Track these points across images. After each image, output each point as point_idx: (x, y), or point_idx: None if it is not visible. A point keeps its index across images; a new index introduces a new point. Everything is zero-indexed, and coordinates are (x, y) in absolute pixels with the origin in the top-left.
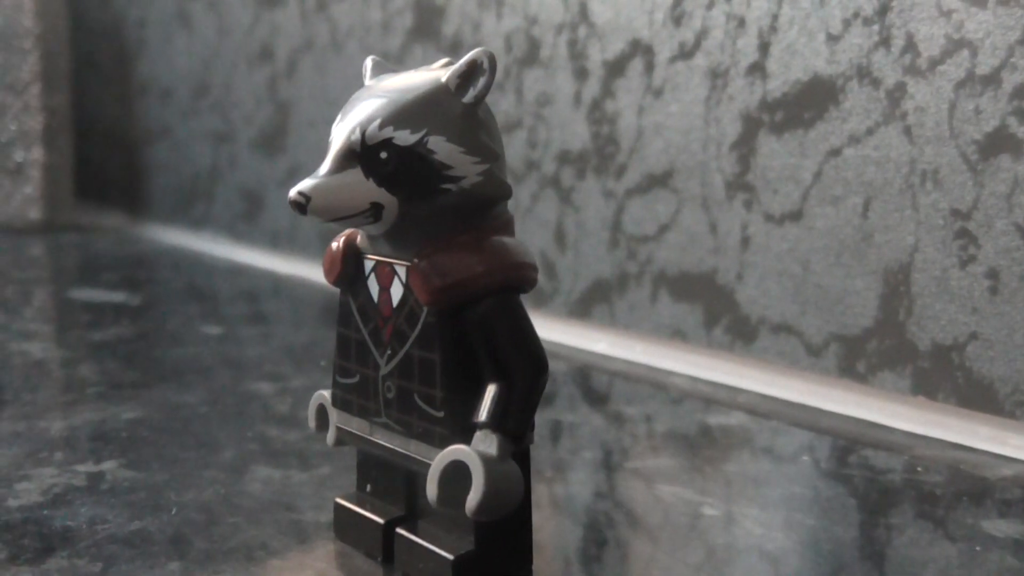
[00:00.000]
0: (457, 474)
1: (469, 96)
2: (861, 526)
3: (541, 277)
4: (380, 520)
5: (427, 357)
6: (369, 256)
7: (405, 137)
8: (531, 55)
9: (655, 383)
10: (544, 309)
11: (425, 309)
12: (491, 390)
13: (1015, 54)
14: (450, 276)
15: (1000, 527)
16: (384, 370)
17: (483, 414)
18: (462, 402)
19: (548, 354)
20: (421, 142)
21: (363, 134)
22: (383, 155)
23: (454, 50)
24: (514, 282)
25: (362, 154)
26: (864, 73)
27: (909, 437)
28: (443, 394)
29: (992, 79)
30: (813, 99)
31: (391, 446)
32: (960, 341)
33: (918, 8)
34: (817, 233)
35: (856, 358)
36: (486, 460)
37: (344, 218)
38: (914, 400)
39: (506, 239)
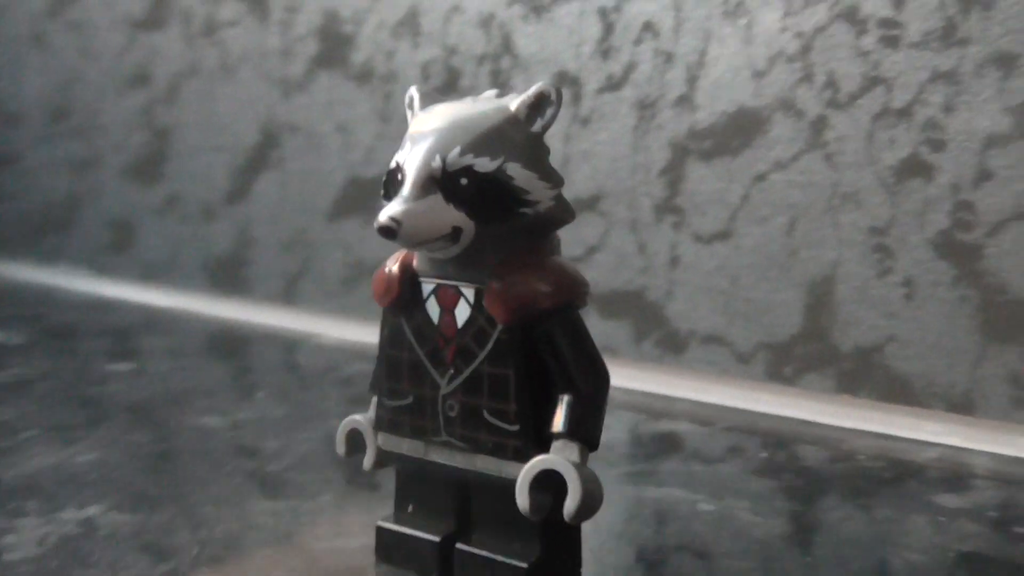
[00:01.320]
0: (538, 483)
1: (537, 125)
2: (826, 509)
3: None
4: (435, 538)
5: (499, 373)
6: (427, 279)
7: (485, 164)
8: (450, 85)
9: None
10: None
11: (498, 327)
12: (564, 400)
13: (925, 91)
14: (527, 296)
15: (951, 500)
16: (445, 389)
17: (561, 424)
18: (533, 415)
19: None
20: (500, 168)
21: (444, 161)
22: (463, 181)
23: (364, 79)
24: (575, 300)
25: (443, 180)
26: (788, 106)
27: (837, 431)
28: (517, 408)
29: (905, 112)
30: (740, 129)
31: (452, 463)
32: (879, 343)
33: (837, 49)
34: (745, 251)
35: (783, 363)
36: (577, 467)
37: (427, 242)
38: (839, 398)
39: (562, 259)
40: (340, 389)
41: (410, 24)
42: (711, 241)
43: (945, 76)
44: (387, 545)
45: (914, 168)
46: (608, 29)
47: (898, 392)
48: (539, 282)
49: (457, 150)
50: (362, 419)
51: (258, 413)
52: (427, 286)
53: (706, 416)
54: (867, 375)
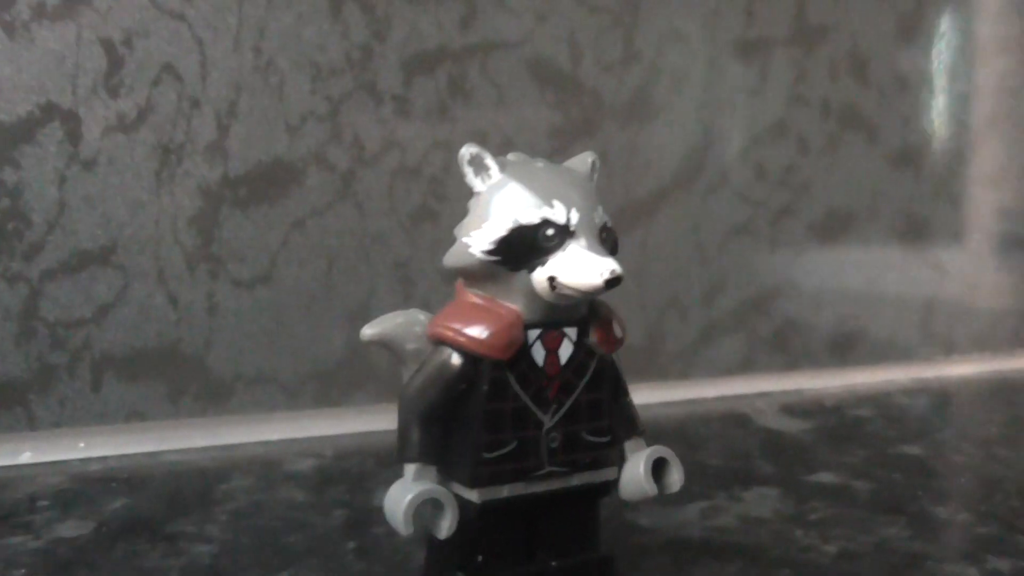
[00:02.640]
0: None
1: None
2: None
3: None
4: (537, 568)
5: (595, 397)
6: (532, 327)
7: (607, 219)
8: None
9: (108, 476)
10: None
11: (596, 358)
12: (619, 407)
13: (429, 154)
14: (621, 329)
15: None
16: (549, 424)
17: (629, 427)
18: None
19: None
20: (610, 223)
21: (597, 216)
22: (604, 235)
23: None
24: None
25: (599, 234)
26: (321, 159)
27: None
28: (608, 422)
29: (416, 170)
30: (276, 179)
31: (551, 490)
32: None
33: (360, 114)
34: (287, 292)
35: (330, 388)
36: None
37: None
38: (378, 405)
39: None
40: None
41: None
42: (253, 285)
43: (442, 144)
44: None
45: (425, 214)
46: (117, 64)
47: None
48: (618, 317)
49: (600, 208)
50: (431, 488)
51: None
52: (532, 332)
53: (253, 454)
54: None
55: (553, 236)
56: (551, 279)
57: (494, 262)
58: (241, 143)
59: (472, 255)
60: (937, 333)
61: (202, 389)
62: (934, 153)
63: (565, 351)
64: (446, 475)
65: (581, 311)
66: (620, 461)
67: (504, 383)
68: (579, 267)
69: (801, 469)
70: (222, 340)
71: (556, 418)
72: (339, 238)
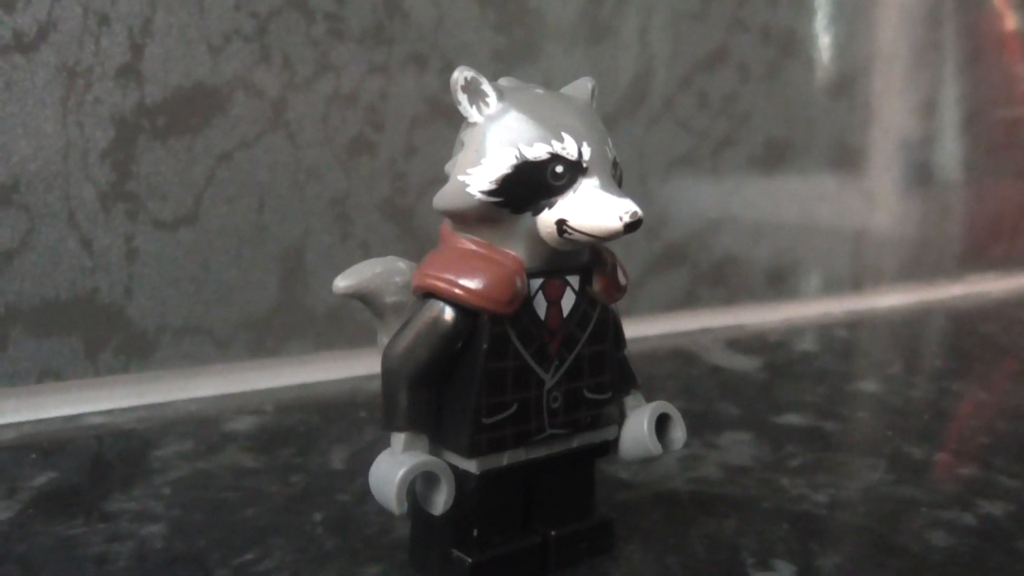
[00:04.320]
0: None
1: None
2: None
3: None
4: (537, 539)
5: (598, 350)
6: (534, 276)
7: (616, 153)
8: None
9: (24, 445)
10: None
11: (598, 308)
12: (618, 360)
13: (366, 80)
14: (626, 274)
15: None
16: (550, 383)
17: (627, 381)
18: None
19: None
20: (618, 158)
21: (609, 150)
22: (614, 171)
23: None
24: None
25: (611, 170)
26: (248, 85)
27: (318, 385)
28: (610, 377)
29: (352, 97)
30: (198, 106)
31: (550, 453)
32: (346, 301)
33: (290, 34)
34: (214, 233)
35: (264, 338)
36: None
37: None
38: (317, 355)
39: None
40: None
41: None
42: (176, 227)
43: (379, 68)
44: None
45: (361, 145)
46: None
47: (363, 338)
48: (622, 263)
49: (610, 141)
50: (425, 460)
51: None
52: (534, 282)
53: (178, 414)
54: (339, 330)
55: (563, 174)
56: (561, 223)
57: (495, 203)
58: (158, 66)
59: (470, 195)
60: (867, 264)
61: (123, 343)
62: (867, 82)
63: (567, 302)
64: (439, 444)
65: (583, 257)
66: (620, 419)
67: (505, 340)
68: (594, 209)
69: (766, 410)
70: (143, 288)
71: (557, 376)
72: (270, 172)
